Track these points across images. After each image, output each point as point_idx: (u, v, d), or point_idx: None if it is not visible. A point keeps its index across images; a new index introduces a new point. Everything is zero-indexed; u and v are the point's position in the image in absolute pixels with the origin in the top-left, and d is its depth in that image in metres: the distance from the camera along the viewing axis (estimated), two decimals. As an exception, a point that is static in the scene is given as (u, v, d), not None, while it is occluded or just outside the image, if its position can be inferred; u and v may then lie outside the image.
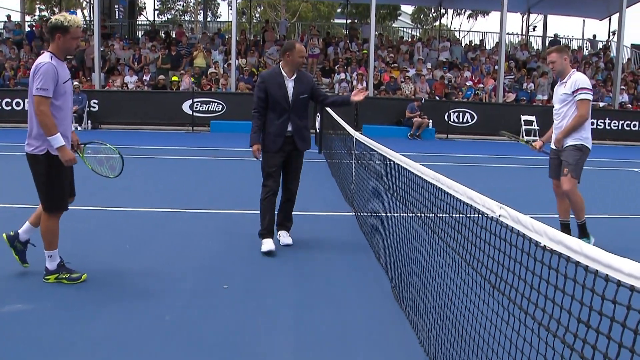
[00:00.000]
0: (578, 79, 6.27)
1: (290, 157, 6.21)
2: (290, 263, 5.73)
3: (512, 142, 7.46)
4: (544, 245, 2.23)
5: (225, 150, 14.29)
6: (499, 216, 2.70)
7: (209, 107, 19.73)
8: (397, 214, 5.52)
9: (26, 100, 19.90)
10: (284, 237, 6.32)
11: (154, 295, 4.71)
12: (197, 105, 19.51)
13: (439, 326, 3.71)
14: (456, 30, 36.77)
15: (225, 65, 22.34)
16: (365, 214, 6.89)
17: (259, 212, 6.12)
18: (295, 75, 6.10)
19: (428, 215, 4.22)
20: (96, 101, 19.51)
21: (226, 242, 6.37)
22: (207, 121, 19.42)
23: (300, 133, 6.17)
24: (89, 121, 19.03)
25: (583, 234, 6.48)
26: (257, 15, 50.51)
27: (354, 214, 7.65)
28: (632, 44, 31.72)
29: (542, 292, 2.44)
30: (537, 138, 20.42)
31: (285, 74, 6.04)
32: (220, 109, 19.69)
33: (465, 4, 36.41)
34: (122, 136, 16.59)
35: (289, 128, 6.08)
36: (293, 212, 6.42)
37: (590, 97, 6.24)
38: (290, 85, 6.05)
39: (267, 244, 5.95)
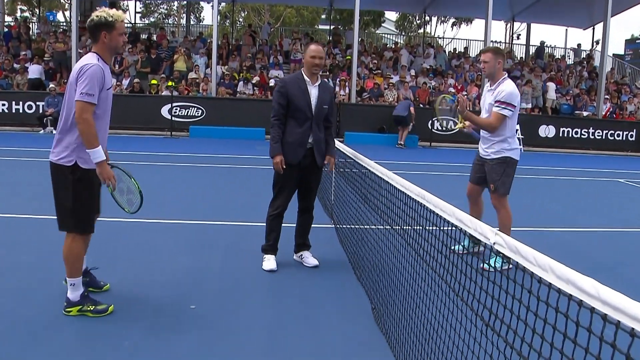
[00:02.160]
0: (504, 90, 5.98)
1: (307, 172, 5.66)
2: (265, 279, 5.37)
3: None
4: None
5: (204, 157, 13.90)
6: (494, 244, 2.37)
7: (188, 111, 19.29)
8: (377, 229, 5.23)
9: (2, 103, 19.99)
10: (308, 258, 5.85)
11: (114, 315, 4.33)
12: (176, 109, 19.08)
13: (423, 355, 3.38)
14: (440, 38, 36.58)
15: (207, 70, 21.93)
16: (345, 226, 6.57)
17: (237, 223, 5.76)
18: (319, 82, 5.61)
19: (411, 233, 3.89)
20: (73, 104, 18.96)
21: (198, 255, 5.97)
22: (187, 126, 18.99)
23: (319, 146, 5.65)
24: (65, 125, 18.48)
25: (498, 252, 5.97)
26: (240, 19, 50.14)
27: (333, 226, 7.32)
28: (613, 54, 31.78)
29: (547, 339, 2.06)
30: (521, 147, 20.43)
31: (307, 79, 5.53)
32: (199, 114, 19.27)
33: (450, 11, 36.27)
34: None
35: (310, 139, 5.58)
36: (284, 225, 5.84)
37: (507, 113, 5.94)
38: (314, 92, 5.55)
39: (270, 263, 5.62)
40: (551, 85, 24.44)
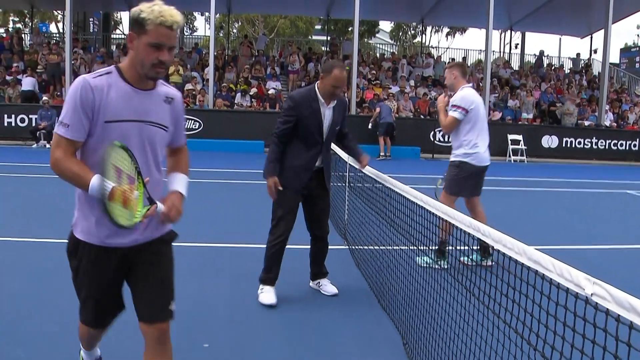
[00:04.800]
0: (457, 94, 6.26)
1: (314, 197, 5.13)
2: (278, 309, 4.90)
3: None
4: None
5: (201, 172, 13.40)
6: (592, 295, 1.98)
7: (185, 124, 18.71)
8: (401, 250, 4.83)
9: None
10: (326, 286, 5.34)
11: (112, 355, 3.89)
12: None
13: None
14: (434, 48, 36.25)
15: (204, 82, 21.54)
16: (362, 247, 6.16)
17: (241, 245, 5.32)
18: (334, 103, 4.98)
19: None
20: (66, 117, 18.50)
21: (205, 282, 5.51)
22: None
23: (328, 168, 5.19)
24: (59, 138, 18.03)
25: (439, 253, 5.77)
26: (234, 30, 49.85)
27: (347, 247, 6.89)
28: (610, 63, 31.64)
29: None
30: (525, 158, 20.16)
31: (322, 100, 4.91)
32: (197, 127, 18.83)
33: (446, 20, 36.09)
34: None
35: (318, 163, 5.04)
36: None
37: (458, 115, 6.15)
38: (327, 114, 4.96)
39: (269, 296, 4.96)
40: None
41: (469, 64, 29.17)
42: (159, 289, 2.84)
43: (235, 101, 20.68)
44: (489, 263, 5.94)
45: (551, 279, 2.30)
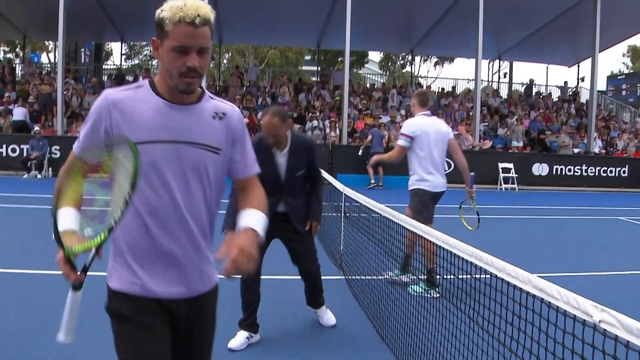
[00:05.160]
0: (404, 123, 6.70)
1: (289, 240, 4.92)
2: (274, 339, 4.82)
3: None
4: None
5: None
6: (599, 322, 1.98)
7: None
8: (400, 280, 4.81)
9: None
10: (324, 316, 5.23)
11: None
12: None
13: None
14: (423, 77, 36.58)
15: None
16: (359, 277, 6.14)
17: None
18: (287, 147, 4.69)
19: (445, 284, 3.50)
20: (58, 147, 18.47)
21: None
22: None
23: (296, 214, 4.83)
24: (50, 168, 17.99)
25: (428, 282, 5.88)
26: (224, 61, 50.10)
27: (343, 277, 6.85)
28: (598, 90, 32.04)
29: None
30: (516, 186, 20.25)
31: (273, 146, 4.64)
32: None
33: (436, 50, 36.47)
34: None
35: (280, 209, 4.76)
36: (265, 277, 4.85)
37: (403, 142, 6.45)
38: (282, 161, 4.69)
39: (237, 339, 4.62)
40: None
41: (458, 93, 29.44)
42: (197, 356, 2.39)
43: (227, 131, 20.67)
44: (435, 295, 5.59)
45: (557, 306, 2.30)
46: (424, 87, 27.98)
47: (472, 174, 6.90)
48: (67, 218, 2.03)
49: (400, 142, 6.49)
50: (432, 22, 26.43)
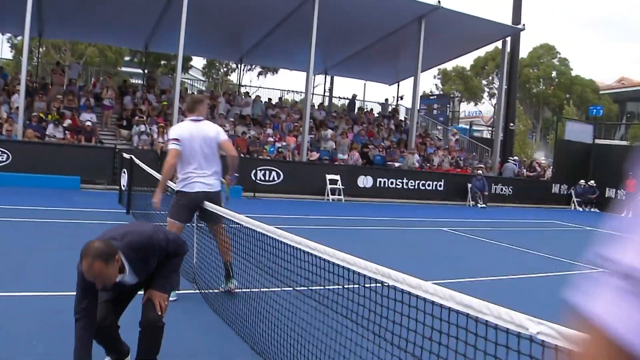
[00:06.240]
0: (171, 129, 6.94)
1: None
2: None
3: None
4: None
5: (11, 210, 12.19)
6: (537, 333, 2.06)
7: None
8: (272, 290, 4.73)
9: None
10: None
11: None
12: (-26, 154, 16.72)
13: None
14: (247, 86, 36.63)
15: (13, 110, 19.85)
16: (217, 291, 5.95)
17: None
18: (127, 270, 3.85)
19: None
20: None
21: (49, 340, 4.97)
22: None
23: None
24: None
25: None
26: (37, 56, 46.91)
27: (198, 291, 6.59)
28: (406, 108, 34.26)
29: None
30: (342, 197, 20.92)
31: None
32: (5, 159, 17.12)
33: (265, 60, 36.77)
34: None
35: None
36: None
37: (171, 146, 6.51)
38: (128, 279, 3.92)
39: None
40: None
41: (284, 104, 29.92)
42: None
43: (47, 132, 19.29)
44: (231, 287, 6.39)
45: (486, 320, 2.36)
46: (252, 96, 28.10)
47: (237, 174, 7.40)
48: None
49: (170, 145, 6.56)
50: (263, 33, 26.63)
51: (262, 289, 4.95)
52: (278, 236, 4.32)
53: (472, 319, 2.51)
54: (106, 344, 4.13)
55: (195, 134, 6.50)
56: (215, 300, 6.03)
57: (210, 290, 6.21)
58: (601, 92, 63.41)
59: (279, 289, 4.52)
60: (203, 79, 58.07)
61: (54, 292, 6.13)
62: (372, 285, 3.15)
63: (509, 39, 27.55)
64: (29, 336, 4.82)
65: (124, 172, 13.89)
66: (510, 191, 26.43)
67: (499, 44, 28.89)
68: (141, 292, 4.17)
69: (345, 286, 3.46)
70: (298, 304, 4.23)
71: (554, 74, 63.08)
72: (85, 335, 3.72)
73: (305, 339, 4.09)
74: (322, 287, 3.80)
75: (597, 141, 30.66)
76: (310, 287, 4.08)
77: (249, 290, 5.38)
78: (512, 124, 30.09)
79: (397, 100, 34.56)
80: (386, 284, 3.09)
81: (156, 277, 4.07)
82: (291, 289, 4.26)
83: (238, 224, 5.32)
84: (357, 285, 3.33)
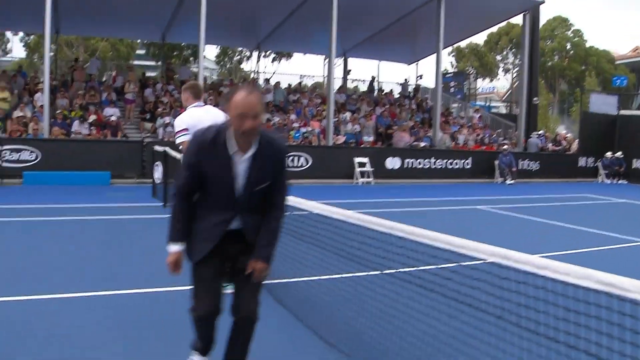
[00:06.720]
0: (176, 120, 6.51)
1: (237, 261, 3.48)
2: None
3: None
4: None
5: (42, 208, 11.97)
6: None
7: (20, 155, 16.89)
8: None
9: None
10: None
11: None
12: (5, 153, 16.69)
13: None
14: (263, 73, 36.32)
15: (37, 109, 19.74)
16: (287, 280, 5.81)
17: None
18: (254, 149, 3.32)
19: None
20: None
21: (130, 340, 4.84)
22: (19, 172, 16.53)
23: (252, 234, 3.47)
24: None
25: None
26: (51, 54, 46.91)
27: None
28: (432, 88, 33.90)
29: None
30: (371, 179, 20.72)
31: (233, 144, 3.30)
32: (34, 158, 17.02)
33: (281, 46, 36.46)
34: None
35: (233, 226, 3.44)
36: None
37: (183, 137, 6.19)
38: (242, 167, 3.34)
39: None
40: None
41: (304, 89, 29.68)
42: None
43: (73, 129, 19.20)
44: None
45: None
46: (270, 83, 27.88)
47: None
48: None
49: (182, 138, 6.22)
50: (280, 18, 26.40)
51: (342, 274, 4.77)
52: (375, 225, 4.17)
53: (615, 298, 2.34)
54: (209, 340, 3.59)
55: (204, 119, 6.12)
56: (281, 291, 5.88)
57: (280, 280, 6.05)
58: (617, 62, 62.57)
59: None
60: (215, 67, 57.80)
61: (110, 291, 6.02)
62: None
63: (528, 12, 27.11)
64: (107, 335, 4.69)
65: (156, 165, 13.76)
66: (537, 166, 26.10)
67: (512, 19, 28.45)
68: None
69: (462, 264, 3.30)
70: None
71: (568, 46, 62.39)
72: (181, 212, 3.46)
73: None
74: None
75: (622, 112, 30.18)
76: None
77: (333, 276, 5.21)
78: (535, 98, 29.62)
79: (417, 80, 34.22)
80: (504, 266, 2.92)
81: (260, 242, 3.43)
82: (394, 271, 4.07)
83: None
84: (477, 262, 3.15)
